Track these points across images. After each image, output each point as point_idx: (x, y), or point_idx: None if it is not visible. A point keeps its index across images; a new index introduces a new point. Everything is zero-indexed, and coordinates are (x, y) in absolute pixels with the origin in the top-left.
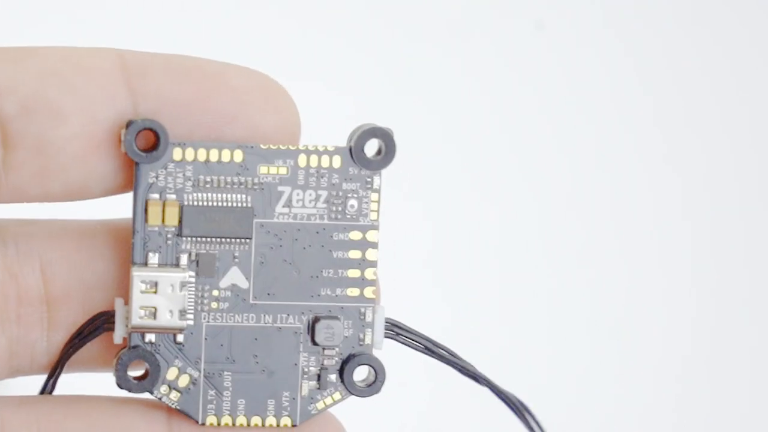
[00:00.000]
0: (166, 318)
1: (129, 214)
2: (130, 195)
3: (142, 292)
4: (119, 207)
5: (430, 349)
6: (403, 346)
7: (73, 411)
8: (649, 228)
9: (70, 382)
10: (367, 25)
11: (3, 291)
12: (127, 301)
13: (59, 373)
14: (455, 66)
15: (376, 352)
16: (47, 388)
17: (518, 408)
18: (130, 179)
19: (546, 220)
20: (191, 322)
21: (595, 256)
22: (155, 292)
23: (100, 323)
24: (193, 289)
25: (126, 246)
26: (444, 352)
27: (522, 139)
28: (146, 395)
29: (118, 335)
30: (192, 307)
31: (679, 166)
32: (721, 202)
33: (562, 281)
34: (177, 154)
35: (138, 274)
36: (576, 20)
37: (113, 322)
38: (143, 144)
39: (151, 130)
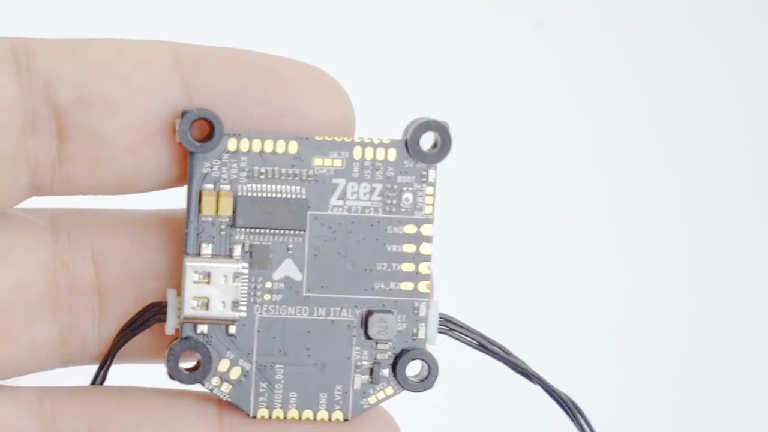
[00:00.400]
0: (219, 309)
1: (182, 205)
2: (183, 187)
3: (195, 282)
4: (172, 198)
5: (484, 345)
6: (457, 341)
7: (125, 403)
8: (671, 225)
9: (120, 373)
10: (368, 25)
11: (55, 280)
12: (179, 292)
13: (110, 364)
14: (455, 66)
15: (429, 347)
16: (98, 379)
17: (570, 408)
18: (182, 172)
19: (547, 219)
20: (244, 314)
21: (599, 254)
22: (208, 283)
23: (151, 314)
24: (246, 280)
25: (179, 237)
26: (497, 348)
27: (521, 139)
28: (198, 387)
29: (170, 326)
30: (245, 299)
31: (678, 165)
32: (722, 202)
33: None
34: (232, 144)
35: (191, 265)
36: (576, 20)
37: (165, 313)
38: (198, 134)
39: (205, 119)
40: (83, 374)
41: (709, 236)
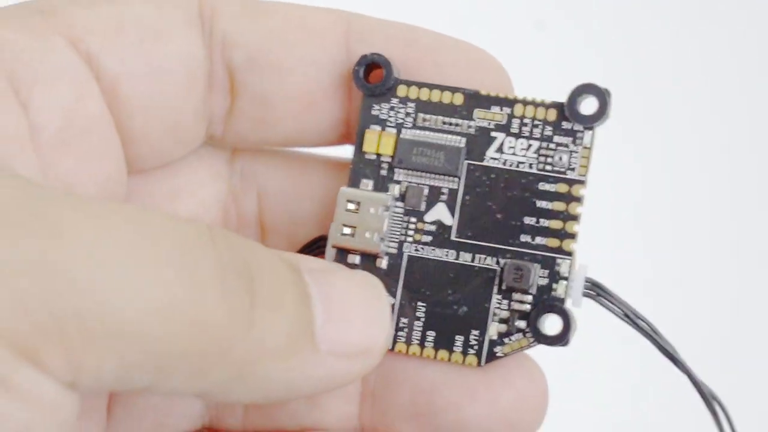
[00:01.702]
0: (365, 238)
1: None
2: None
3: (346, 210)
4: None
5: (631, 318)
6: (602, 308)
7: None
8: None
9: None
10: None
11: (226, 209)
12: None
13: None
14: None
15: (573, 310)
16: None
17: (713, 405)
18: (343, 135)
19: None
20: (394, 250)
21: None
22: (357, 212)
23: (317, 245)
24: (399, 219)
25: (337, 185)
26: (644, 324)
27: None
28: None
29: (328, 257)
30: (396, 236)
31: (674, 164)
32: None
33: None
34: (401, 90)
35: (344, 192)
36: (576, 20)
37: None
38: (372, 79)
39: (378, 65)
40: None
41: None
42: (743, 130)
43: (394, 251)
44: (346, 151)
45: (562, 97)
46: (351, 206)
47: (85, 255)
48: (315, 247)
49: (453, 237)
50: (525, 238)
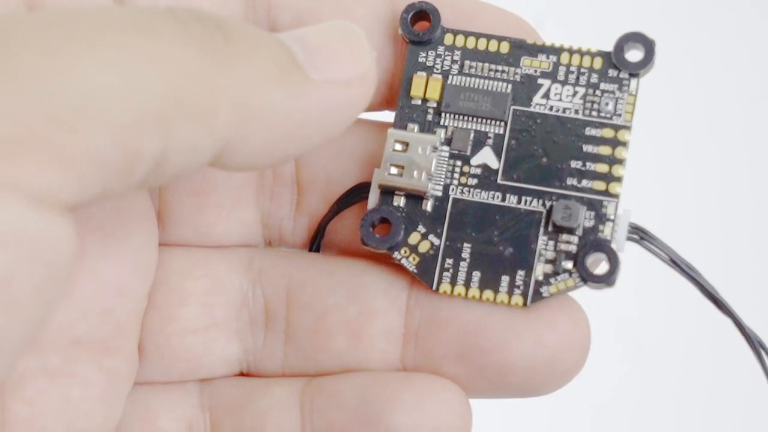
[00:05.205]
0: (413, 177)
1: (387, 120)
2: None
3: (394, 150)
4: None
5: (675, 261)
6: (646, 252)
7: (324, 268)
8: None
9: None
10: None
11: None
12: None
13: (322, 236)
14: None
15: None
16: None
17: (758, 348)
18: (386, 100)
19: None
20: (439, 193)
21: None
22: (405, 152)
23: (356, 193)
24: (445, 162)
25: (373, 148)
26: (688, 268)
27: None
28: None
29: (372, 201)
30: (442, 179)
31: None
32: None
33: None
34: (448, 39)
35: (393, 132)
36: (576, 16)
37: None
38: (417, 29)
39: (426, 13)
40: None
41: None
42: None
43: (439, 194)
44: (387, 117)
45: (607, 48)
46: (399, 147)
47: (35, 51)
48: (355, 194)
49: (499, 180)
50: (571, 181)
